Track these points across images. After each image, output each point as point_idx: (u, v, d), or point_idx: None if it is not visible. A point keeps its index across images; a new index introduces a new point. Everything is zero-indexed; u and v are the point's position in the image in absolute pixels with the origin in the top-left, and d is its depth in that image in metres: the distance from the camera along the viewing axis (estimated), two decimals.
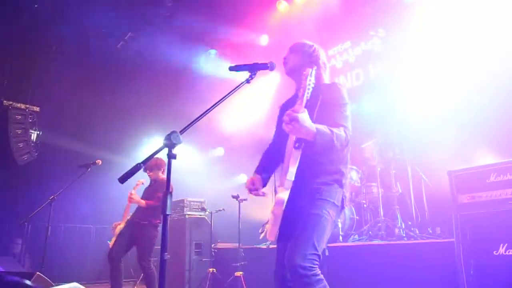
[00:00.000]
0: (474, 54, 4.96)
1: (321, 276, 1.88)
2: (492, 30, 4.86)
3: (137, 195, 4.76)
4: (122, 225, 4.79)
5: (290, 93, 2.49)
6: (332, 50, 7.30)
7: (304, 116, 1.85)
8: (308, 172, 2.05)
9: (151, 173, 5.00)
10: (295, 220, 2.02)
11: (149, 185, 5.09)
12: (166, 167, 5.26)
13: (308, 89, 1.91)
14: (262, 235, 2.20)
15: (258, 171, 2.37)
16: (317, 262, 1.90)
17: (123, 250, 4.65)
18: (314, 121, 1.93)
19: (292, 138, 2.05)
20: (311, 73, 1.91)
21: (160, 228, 4.83)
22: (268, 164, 2.40)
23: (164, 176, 4.83)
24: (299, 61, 2.31)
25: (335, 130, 1.95)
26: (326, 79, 2.37)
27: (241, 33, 7.87)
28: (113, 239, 4.78)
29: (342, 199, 2.13)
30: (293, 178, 1.97)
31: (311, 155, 2.03)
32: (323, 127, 1.91)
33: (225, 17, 7.67)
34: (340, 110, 2.12)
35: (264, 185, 2.31)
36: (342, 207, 2.15)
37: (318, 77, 2.31)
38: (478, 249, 2.93)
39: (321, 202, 2.04)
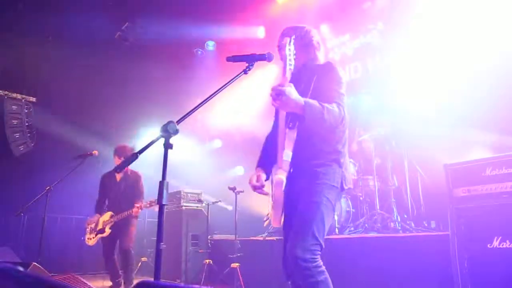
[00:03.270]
0: (472, 48, 4.96)
1: (323, 268, 1.88)
2: (490, 25, 4.86)
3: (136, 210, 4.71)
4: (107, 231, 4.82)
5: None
6: (331, 43, 7.28)
7: (290, 89, 1.84)
8: (305, 153, 2.03)
9: (117, 160, 5.04)
10: (296, 207, 2.00)
11: (122, 180, 5.05)
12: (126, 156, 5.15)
13: (289, 59, 1.88)
14: (267, 222, 2.20)
15: (260, 163, 2.31)
16: (319, 252, 1.89)
17: (113, 245, 4.85)
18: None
19: (283, 117, 2.02)
20: (289, 41, 1.88)
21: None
22: (268, 153, 2.32)
23: (130, 167, 5.03)
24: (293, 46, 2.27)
25: (326, 104, 1.91)
26: (321, 58, 2.34)
27: (239, 25, 7.83)
28: (94, 237, 4.90)
29: (342, 180, 2.08)
30: (289, 159, 1.94)
31: (307, 136, 2.00)
32: (312, 101, 1.89)
33: (223, 8, 7.62)
34: (334, 87, 2.07)
35: (267, 177, 2.24)
36: (342, 189, 2.09)
37: (313, 58, 2.31)
38: (472, 242, 2.96)
39: (320, 187, 2.00)
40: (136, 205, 4.67)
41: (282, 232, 2.24)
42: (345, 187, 2.11)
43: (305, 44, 2.28)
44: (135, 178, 5.05)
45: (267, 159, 2.29)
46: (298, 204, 2.00)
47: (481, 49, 4.85)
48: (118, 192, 5.00)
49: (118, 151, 5.06)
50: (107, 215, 4.90)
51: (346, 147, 2.19)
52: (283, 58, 2.06)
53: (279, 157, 2.00)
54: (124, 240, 4.80)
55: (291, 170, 1.98)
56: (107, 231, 4.78)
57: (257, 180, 2.18)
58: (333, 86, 2.07)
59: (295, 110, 1.87)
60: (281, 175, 1.94)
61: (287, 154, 1.95)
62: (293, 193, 1.99)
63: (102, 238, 4.84)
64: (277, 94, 1.83)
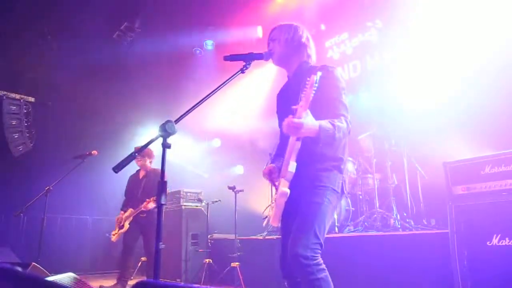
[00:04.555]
0: (470, 46, 4.96)
1: (323, 266, 1.90)
2: (488, 22, 4.86)
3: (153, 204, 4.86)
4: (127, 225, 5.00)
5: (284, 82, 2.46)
6: (330, 42, 7.27)
7: (307, 121, 1.86)
8: (307, 158, 2.04)
9: (139, 159, 5.18)
10: (296, 207, 2.02)
11: (143, 177, 5.25)
12: (154, 159, 5.45)
13: (313, 93, 1.88)
14: (266, 221, 2.22)
15: (273, 160, 2.36)
16: (319, 251, 1.92)
17: (132, 241, 5.01)
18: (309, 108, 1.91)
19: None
20: (316, 80, 1.87)
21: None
22: (280, 152, 2.33)
23: (151, 166, 5.29)
24: (284, 49, 2.26)
25: (336, 122, 1.96)
26: (313, 56, 2.33)
27: (238, 24, 7.82)
28: (116, 233, 5.05)
29: (342, 184, 2.13)
30: (294, 170, 1.97)
31: (310, 144, 2.01)
32: (325, 123, 1.92)
33: (222, 7, 7.62)
34: (338, 98, 2.09)
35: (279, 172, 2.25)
36: (342, 193, 2.15)
37: (306, 59, 2.30)
38: (472, 239, 2.96)
39: (321, 189, 2.04)
40: (147, 199, 4.82)
41: (280, 232, 2.25)
42: (345, 192, 2.17)
43: (296, 46, 2.27)
44: (155, 175, 5.14)
45: (278, 157, 2.32)
46: (299, 205, 2.02)
47: (481, 47, 4.85)
48: (139, 189, 5.16)
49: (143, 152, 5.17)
50: (128, 212, 5.06)
51: (347, 152, 2.21)
52: (289, 71, 2.15)
53: (284, 167, 2.03)
54: (149, 239, 4.93)
55: (294, 175, 2.01)
56: (126, 226, 4.95)
57: (269, 173, 2.21)
58: (336, 96, 2.09)
59: (310, 135, 1.91)
60: (285, 187, 1.98)
61: (292, 165, 1.98)
62: (294, 196, 2.00)
63: (124, 233, 4.99)
64: (295, 127, 1.85)
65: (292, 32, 2.28)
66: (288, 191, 1.97)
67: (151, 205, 4.85)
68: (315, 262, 1.87)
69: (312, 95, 1.87)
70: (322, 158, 2.09)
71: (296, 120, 1.84)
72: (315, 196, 2.02)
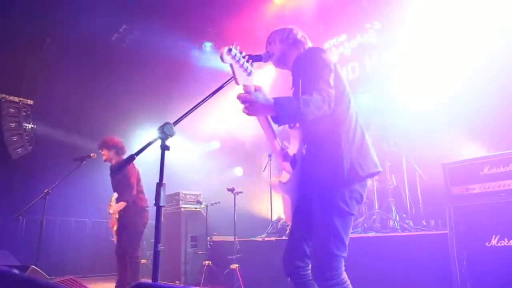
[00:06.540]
0: (469, 47, 4.97)
1: (347, 283, 1.91)
2: (487, 23, 4.87)
3: (115, 205, 4.47)
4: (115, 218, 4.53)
5: (288, 85, 2.46)
6: (328, 43, 7.28)
7: (257, 94, 1.77)
8: (312, 150, 2.01)
9: (103, 152, 4.68)
10: (307, 212, 2.00)
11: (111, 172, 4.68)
12: (122, 150, 4.90)
13: (240, 63, 1.70)
14: (276, 217, 2.21)
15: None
16: (340, 265, 1.90)
17: (117, 240, 4.55)
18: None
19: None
20: (228, 49, 1.64)
21: (146, 213, 4.66)
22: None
23: (120, 158, 4.70)
24: (280, 49, 2.27)
25: (302, 97, 1.78)
26: None
27: (237, 26, 7.83)
28: (114, 230, 4.58)
29: (351, 167, 1.91)
30: (289, 161, 1.95)
31: (312, 134, 1.99)
32: (282, 98, 1.79)
33: (221, 9, 7.63)
34: (317, 73, 1.93)
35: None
36: (357, 178, 1.93)
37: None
38: (471, 240, 2.96)
39: (327, 199, 1.93)
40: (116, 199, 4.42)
41: (289, 231, 2.21)
42: (362, 174, 1.93)
43: (292, 43, 2.28)
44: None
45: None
46: (312, 217, 1.98)
47: (481, 47, 4.86)
48: (112, 181, 4.69)
49: (107, 144, 4.70)
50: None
51: (353, 131, 2.03)
52: (231, 68, 1.73)
53: (279, 160, 2.00)
54: (124, 234, 4.48)
55: (299, 171, 1.98)
56: (114, 220, 4.49)
57: None
58: (311, 73, 1.96)
59: (269, 113, 1.80)
60: (284, 177, 1.95)
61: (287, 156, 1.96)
62: (303, 195, 1.99)
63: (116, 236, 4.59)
64: (243, 102, 1.78)
65: (286, 32, 2.30)
66: (277, 181, 1.95)
67: (117, 206, 4.43)
68: (333, 282, 1.87)
69: (241, 63, 1.70)
70: (325, 148, 1.98)
71: (244, 94, 1.77)
72: (324, 211, 1.93)
